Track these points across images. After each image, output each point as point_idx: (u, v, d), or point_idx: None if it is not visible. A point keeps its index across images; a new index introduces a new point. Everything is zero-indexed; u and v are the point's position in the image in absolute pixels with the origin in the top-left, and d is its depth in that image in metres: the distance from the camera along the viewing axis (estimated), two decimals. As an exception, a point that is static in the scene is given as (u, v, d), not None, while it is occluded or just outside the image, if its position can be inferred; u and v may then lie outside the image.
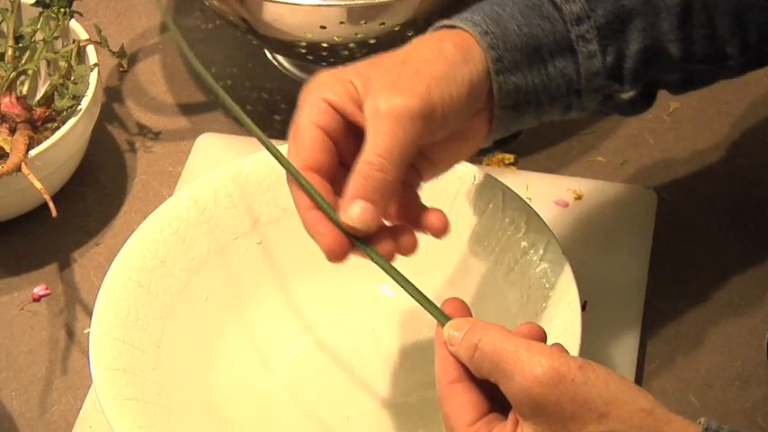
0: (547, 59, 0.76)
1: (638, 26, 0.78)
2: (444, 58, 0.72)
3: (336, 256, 0.70)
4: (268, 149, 0.73)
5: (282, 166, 0.71)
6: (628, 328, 0.91)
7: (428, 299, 0.71)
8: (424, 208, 0.75)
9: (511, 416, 0.65)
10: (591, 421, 0.63)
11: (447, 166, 0.78)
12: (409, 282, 0.72)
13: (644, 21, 0.78)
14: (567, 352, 0.67)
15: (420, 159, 0.75)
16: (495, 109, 0.76)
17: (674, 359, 0.91)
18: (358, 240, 0.70)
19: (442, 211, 0.74)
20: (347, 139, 0.72)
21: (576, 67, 0.77)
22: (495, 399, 0.67)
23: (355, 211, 0.69)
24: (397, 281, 0.71)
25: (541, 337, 0.68)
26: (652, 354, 0.91)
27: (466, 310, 0.71)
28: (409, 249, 0.72)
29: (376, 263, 0.71)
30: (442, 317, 0.70)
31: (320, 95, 0.71)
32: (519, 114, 0.77)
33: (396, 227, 0.73)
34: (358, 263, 0.84)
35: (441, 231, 0.74)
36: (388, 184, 0.69)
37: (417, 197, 0.76)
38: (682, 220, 0.99)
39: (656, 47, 0.79)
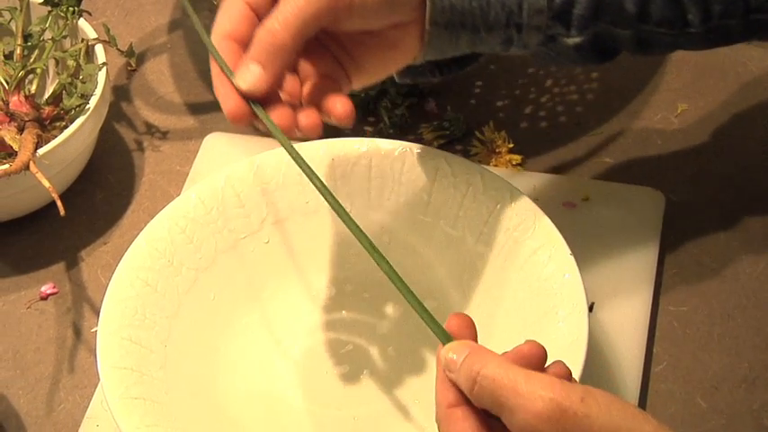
0: None
1: None
2: None
3: (234, 118, 0.72)
4: (195, 25, 0.76)
5: (200, 34, 0.75)
6: (635, 329, 0.91)
7: (427, 311, 0.69)
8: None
9: None
10: None
11: (375, 73, 0.79)
12: (404, 284, 0.71)
13: None
14: (570, 374, 0.65)
15: (346, 59, 0.77)
16: (427, 24, 0.75)
17: (682, 361, 0.91)
18: (254, 104, 0.72)
19: (348, 100, 0.75)
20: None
21: (519, 1, 0.77)
22: (493, 425, 0.65)
23: (246, 73, 0.71)
24: (320, 190, 0.73)
25: (542, 356, 0.66)
26: (659, 355, 0.91)
27: (469, 330, 0.68)
28: (309, 128, 0.73)
29: (272, 132, 0.72)
30: (438, 330, 0.68)
31: None
32: (453, 36, 0.76)
33: (300, 105, 0.75)
34: (367, 265, 0.84)
35: (341, 118, 0.75)
36: (281, 51, 0.71)
37: (340, 93, 0.76)
38: (690, 222, 0.98)
39: None
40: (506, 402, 0.62)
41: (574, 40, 0.79)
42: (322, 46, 0.77)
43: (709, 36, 0.81)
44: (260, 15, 0.73)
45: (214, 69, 0.73)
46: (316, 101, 0.75)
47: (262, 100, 0.73)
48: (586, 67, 0.83)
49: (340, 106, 0.75)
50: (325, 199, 0.71)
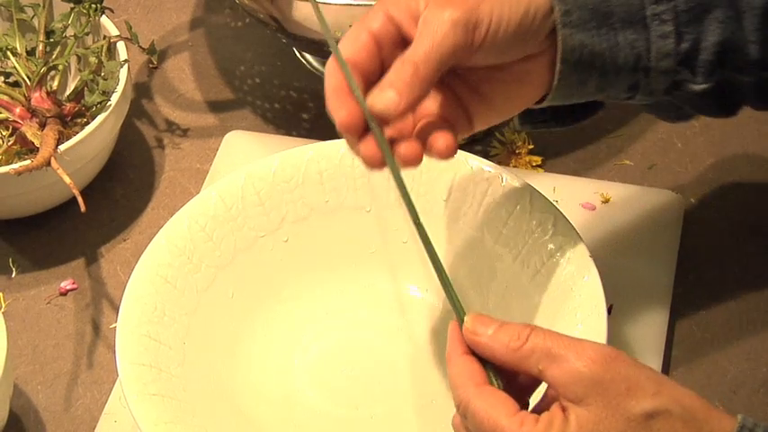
0: (617, 28, 0.76)
1: (719, 18, 0.77)
2: None
3: (348, 129, 0.72)
4: (329, 42, 0.75)
5: (330, 44, 0.74)
6: (653, 332, 0.91)
7: (448, 279, 0.72)
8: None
9: (555, 406, 0.65)
10: (645, 397, 0.64)
11: (502, 110, 0.79)
12: (431, 244, 0.72)
13: (725, 14, 0.77)
14: None
15: (473, 98, 0.77)
16: (558, 63, 0.75)
17: (700, 365, 0.91)
18: (372, 123, 0.72)
19: (452, 136, 0.75)
20: (396, 50, 0.74)
21: (647, 44, 0.76)
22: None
23: (383, 97, 0.71)
24: (404, 196, 0.73)
25: None
26: (677, 359, 0.91)
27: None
28: (409, 157, 0.73)
29: (383, 151, 0.72)
30: (457, 302, 0.70)
31: (384, 8, 0.74)
32: (582, 77, 0.76)
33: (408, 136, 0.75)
34: (387, 263, 0.84)
35: (441, 152, 0.75)
36: (419, 82, 0.71)
37: (447, 130, 0.76)
38: (709, 226, 0.98)
39: (735, 43, 0.78)
40: (559, 351, 0.65)
41: (700, 86, 0.79)
42: (447, 87, 0.77)
43: None
44: (382, 48, 0.73)
45: (331, 81, 0.73)
46: (423, 136, 0.75)
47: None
48: (709, 118, 0.84)
49: (442, 141, 0.75)
50: (346, 77, 0.72)
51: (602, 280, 0.82)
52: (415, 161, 0.73)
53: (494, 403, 0.66)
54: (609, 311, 0.81)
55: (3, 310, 0.88)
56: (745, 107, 0.84)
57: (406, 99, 0.71)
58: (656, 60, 0.77)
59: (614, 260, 0.93)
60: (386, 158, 0.72)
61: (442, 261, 0.72)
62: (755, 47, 0.78)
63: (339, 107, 0.72)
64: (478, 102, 0.78)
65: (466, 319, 0.69)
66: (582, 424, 0.64)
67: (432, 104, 0.77)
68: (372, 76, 0.73)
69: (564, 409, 0.65)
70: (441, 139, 0.75)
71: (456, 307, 0.71)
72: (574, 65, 0.76)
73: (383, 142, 0.72)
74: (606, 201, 0.98)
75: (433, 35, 0.71)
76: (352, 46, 0.73)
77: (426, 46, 0.71)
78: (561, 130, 0.84)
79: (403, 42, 0.73)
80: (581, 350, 0.65)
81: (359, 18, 0.74)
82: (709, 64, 0.78)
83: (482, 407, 0.66)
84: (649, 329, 0.91)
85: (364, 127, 0.72)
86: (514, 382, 0.69)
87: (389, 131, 0.74)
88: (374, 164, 0.73)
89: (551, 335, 0.66)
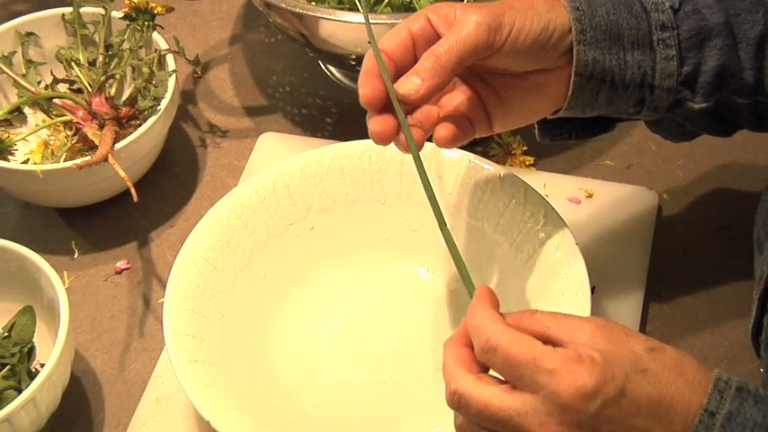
0: (626, 48, 0.75)
1: (718, 45, 0.76)
2: (531, 2, 0.74)
3: (368, 103, 0.72)
4: (369, 36, 0.75)
5: (370, 38, 0.75)
6: (630, 310, 0.90)
7: (459, 252, 0.70)
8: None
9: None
10: (642, 340, 0.63)
11: (519, 116, 0.78)
12: (443, 218, 0.71)
13: (723, 42, 0.77)
14: None
15: (494, 100, 0.77)
16: (573, 75, 0.75)
17: (671, 339, 0.90)
18: (395, 102, 0.72)
19: (452, 127, 0.75)
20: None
21: (653, 64, 0.76)
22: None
23: (408, 83, 0.72)
24: (421, 174, 0.72)
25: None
26: (651, 333, 0.90)
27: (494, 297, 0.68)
28: (419, 135, 0.74)
29: (402, 127, 0.72)
30: (466, 272, 0.68)
31: (425, 12, 0.75)
32: (594, 90, 0.76)
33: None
34: (399, 249, 0.83)
35: (439, 141, 0.75)
36: (441, 70, 0.72)
37: (452, 123, 0.76)
38: (679, 219, 0.98)
39: (732, 69, 0.77)
40: (563, 317, 0.63)
41: (699, 105, 0.78)
42: (472, 90, 0.77)
43: None
44: (418, 45, 0.74)
45: (365, 65, 0.73)
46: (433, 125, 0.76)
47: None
48: (709, 135, 0.83)
49: (442, 131, 0.75)
50: (378, 62, 0.72)
51: (586, 264, 0.82)
52: (421, 141, 0.74)
53: (525, 338, 0.62)
54: (592, 292, 0.80)
55: (66, 286, 0.88)
56: (742, 128, 0.84)
57: (426, 85, 0.72)
58: (660, 79, 0.76)
59: (597, 247, 0.92)
60: (405, 135, 0.72)
61: (445, 248, 0.71)
62: (750, 72, 0.78)
63: (364, 84, 0.72)
64: (499, 106, 0.77)
65: (481, 289, 0.66)
66: (601, 353, 0.61)
67: (456, 102, 0.77)
68: (406, 67, 0.73)
69: (575, 349, 0.62)
70: (441, 128, 0.75)
71: (471, 291, 0.68)
72: (587, 78, 0.75)
73: (404, 122, 0.72)
74: (590, 196, 0.98)
75: (458, 32, 0.72)
76: (393, 41, 0.74)
77: (452, 41, 0.72)
78: (575, 141, 0.84)
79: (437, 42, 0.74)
80: (583, 318, 0.64)
81: (378, 36, 0.74)
82: (708, 86, 0.77)
83: (514, 339, 0.61)
84: (627, 308, 0.90)
85: (382, 105, 0.72)
86: None
87: (417, 116, 0.74)
88: (380, 138, 0.73)
89: (554, 312, 0.65)
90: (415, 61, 0.73)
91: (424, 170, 0.72)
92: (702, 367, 0.64)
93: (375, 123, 0.72)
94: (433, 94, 0.73)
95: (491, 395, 0.62)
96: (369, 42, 0.74)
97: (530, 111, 0.78)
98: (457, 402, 0.63)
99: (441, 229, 0.71)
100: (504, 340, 0.62)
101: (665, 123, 0.83)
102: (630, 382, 0.61)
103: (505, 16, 0.72)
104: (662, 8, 0.77)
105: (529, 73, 0.76)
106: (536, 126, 0.83)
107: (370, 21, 0.82)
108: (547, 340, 0.63)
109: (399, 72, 0.73)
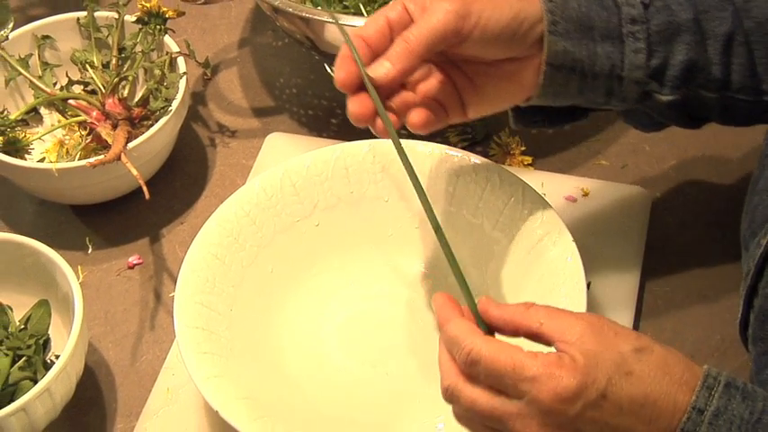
0: (597, 40, 0.75)
1: (686, 41, 0.76)
2: None
3: (343, 86, 0.73)
4: (341, 30, 0.76)
5: (341, 31, 0.76)
6: (624, 304, 0.90)
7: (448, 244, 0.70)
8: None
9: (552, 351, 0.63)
10: (631, 339, 0.63)
11: (492, 103, 0.78)
12: (432, 211, 0.71)
13: (692, 38, 0.76)
14: None
15: (469, 87, 0.77)
16: (544, 64, 0.75)
17: (663, 332, 0.90)
18: (370, 88, 0.73)
19: (425, 112, 0.75)
20: None
21: (622, 56, 0.75)
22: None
23: (379, 67, 0.72)
24: (398, 149, 0.72)
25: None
26: (644, 328, 0.90)
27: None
28: (394, 120, 0.74)
29: (378, 108, 0.73)
30: (465, 287, 0.68)
31: (402, 1, 0.75)
32: (564, 79, 0.75)
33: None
34: (402, 245, 0.83)
35: (411, 125, 0.75)
36: (410, 55, 0.72)
37: (425, 108, 0.76)
38: (672, 217, 0.97)
39: (700, 64, 0.77)
40: (557, 313, 0.63)
41: (667, 97, 0.78)
42: (447, 77, 0.77)
43: None
44: (395, 32, 0.74)
45: (341, 52, 0.74)
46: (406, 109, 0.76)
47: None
48: (677, 126, 0.83)
49: (415, 115, 0.75)
50: (350, 48, 0.72)
51: (582, 260, 0.81)
52: (396, 125, 0.74)
53: (504, 346, 0.62)
54: (588, 287, 0.80)
55: (80, 280, 0.87)
56: (711, 122, 0.83)
57: (396, 69, 0.72)
58: (628, 71, 0.76)
59: (592, 244, 0.92)
60: (381, 118, 0.73)
61: (449, 248, 0.71)
62: (718, 68, 0.77)
63: (339, 69, 0.73)
64: (473, 93, 0.77)
65: (482, 298, 0.67)
66: (586, 355, 0.61)
67: (431, 87, 0.76)
68: (382, 52, 0.73)
69: (562, 350, 0.62)
70: (414, 113, 0.75)
71: (465, 291, 0.69)
72: (557, 68, 0.75)
73: (379, 105, 0.73)
74: (586, 194, 0.97)
75: (428, 19, 0.72)
76: (371, 27, 0.74)
77: (421, 27, 0.72)
78: (550, 130, 0.83)
79: None
80: (573, 312, 0.64)
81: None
82: (676, 79, 0.77)
83: (494, 350, 0.62)
84: (621, 302, 0.90)
85: (356, 88, 0.73)
86: None
87: (394, 102, 0.74)
88: (358, 119, 0.73)
89: (549, 306, 0.65)
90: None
91: (405, 154, 0.72)
92: (691, 364, 0.63)
93: (353, 104, 0.73)
94: (402, 77, 0.73)
95: (478, 396, 0.63)
96: (334, 22, 0.74)
97: (502, 98, 0.78)
98: (449, 399, 0.65)
99: (435, 231, 0.71)
100: (484, 352, 0.62)
101: (636, 114, 0.82)
102: (613, 385, 0.61)
103: (475, 4, 0.72)
104: (633, 3, 0.76)
105: (501, 61, 0.75)
106: (510, 113, 0.82)
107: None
108: (538, 337, 0.64)
109: (376, 56, 0.73)
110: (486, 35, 0.73)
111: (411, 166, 0.72)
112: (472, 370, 0.63)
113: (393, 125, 0.73)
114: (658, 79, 0.77)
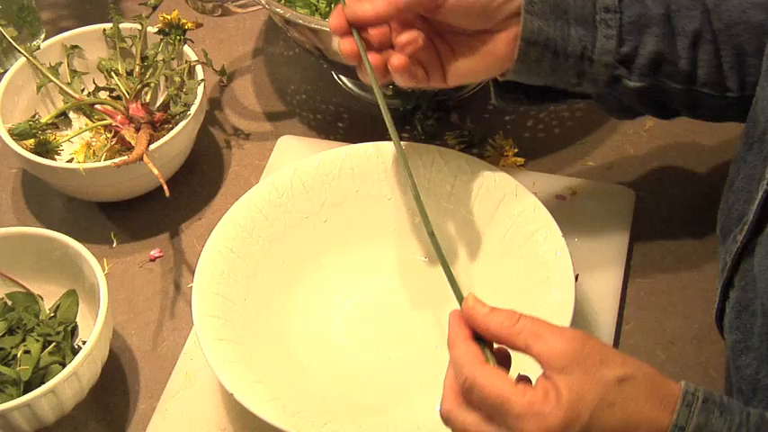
0: (570, 23, 0.75)
1: (656, 33, 0.76)
2: None
3: (335, 30, 0.76)
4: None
5: None
6: (609, 296, 0.89)
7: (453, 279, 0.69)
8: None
9: (541, 377, 0.61)
10: (616, 366, 0.61)
11: (470, 73, 0.78)
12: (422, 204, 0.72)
13: (662, 31, 0.76)
14: None
15: (449, 54, 0.77)
16: (519, 39, 0.74)
17: (646, 321, 0.89)
18: (355, 31, 0.75)
19: (405, 58, 0.76)
20: None
21: (593, 40, 0.75)
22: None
23: (357, 6, 0.74)
24: (381, 105, 0.75)
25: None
26: (628, 317, 0.90)
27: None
28: (375, 64, 0.76)
29: (363, 58, 0.76)
30: (457, 289, 0.68)
31: None
32: (538, 56, 0.75)
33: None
34: (403, 239, 0.82)
35: (393, 67, 0.76)
36: (389, 5, 0.74)
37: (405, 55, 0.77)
38: (654, 214, 0.97)
39: (668, 56, 0.76)
40: (543, 333, 0.61)
41: (635, 84, 0.77)
42: (430, 43, 0.78)
43: (748, 102, 0.77)
44: None
45: (335, 8, 0.77)
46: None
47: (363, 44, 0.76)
48: (656, 131, 0.82)
49: (395, 59, 0.76)
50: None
51: (570, 255, 0.81)
52: (379, 69, 0.76)
53: (497, 378, 0.62)
54: (576, 279, 0.80)
55: (106, 272, 0.87)
56: (682, 116, 0.83)
57: (374, 9, 0.74)
58: (598, 54, 0.75)
59: (580, 239, 0.92)
60: (361, 54, 0.75)
61: (443, 247, 0.71)
62: (686, 62, 0.77)
63: (332, 17, 0.75)
64: (453, 60, 0.77)
65: (468, 296, 0.65)
66: (570, 389, 0.60)
67: (415, 49, 0.77)
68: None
69: (548, 378, 0.61)
70: (394, 57, 0.76)
71: (457, 293, 0.68)
72: (532, 44, 0.75)
73: (362, 47, 0.75)
74: (574, 193, 0.97)
75: None
76: None
77: None
78: (531, 110, 0.83)
79: None
80: (561, 332, 0.62)
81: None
82: (644, 67, 0.76)
83: (488, 381, 0.61)
84: (607, 293, 0.89)
85: (344, 31, 0.75)
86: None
87: (378, 56, 0.76)
88: (348, 56, 0.75)
89: (536, 320, 0.63)
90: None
91: (389, 115, 0.74)
92: (670, 383, 0.62)
93: (344, 44, 0.75)
94: (377, 20, 0.74)
95: (471, 422, 0.62)
96: None
97: (480, 69, 0.78)
98: (445, 421, 0.64)
99: (429, 235, 0.71)
100: (478, 380, 0.62)
101: (609, 99, 0.81)
102: (597, 418, 0.60)
103: None
104: None
105: (480, 32, 0.76)
106: (491, 89, 0.82)
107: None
108: (525, 354, 0.63)
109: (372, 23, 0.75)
110: (460, 4, 0.73)
111: (401, 148, 0.73)
112: (468, 396, 0.63)
113: (376, 70, 0.75)
114: (627, 66, 0.76)
